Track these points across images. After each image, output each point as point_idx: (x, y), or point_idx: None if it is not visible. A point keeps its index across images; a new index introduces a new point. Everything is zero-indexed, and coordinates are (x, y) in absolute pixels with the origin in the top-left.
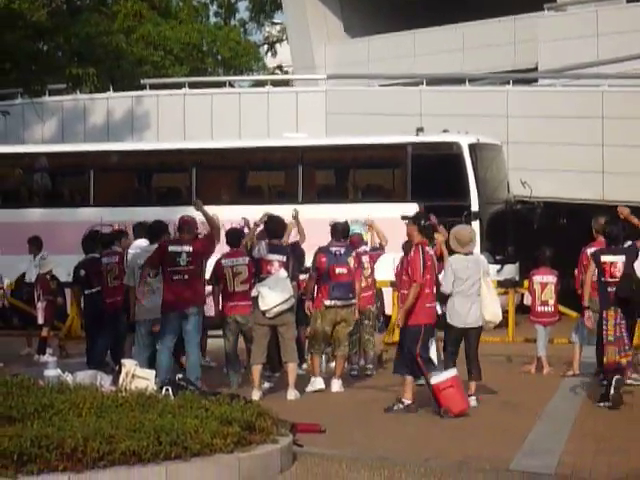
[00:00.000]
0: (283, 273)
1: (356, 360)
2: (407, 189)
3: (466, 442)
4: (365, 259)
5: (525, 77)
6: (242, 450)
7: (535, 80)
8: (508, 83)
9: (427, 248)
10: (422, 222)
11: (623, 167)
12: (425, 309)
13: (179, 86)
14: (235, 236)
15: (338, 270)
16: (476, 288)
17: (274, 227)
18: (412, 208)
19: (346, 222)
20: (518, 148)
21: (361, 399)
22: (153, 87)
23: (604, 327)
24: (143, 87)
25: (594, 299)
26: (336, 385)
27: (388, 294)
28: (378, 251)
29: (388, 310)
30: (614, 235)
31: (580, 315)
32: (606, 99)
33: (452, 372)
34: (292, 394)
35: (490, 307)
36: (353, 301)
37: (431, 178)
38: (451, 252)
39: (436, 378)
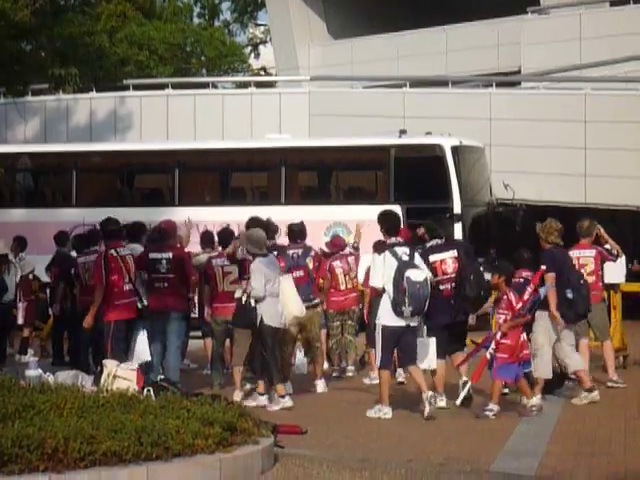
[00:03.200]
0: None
1: (337, 361)
2: (390, 191)
3: (448, 443)
4: (351, 260)
5: (508, 80)
6: (223, 451)
7: (518, 83)
8: (491, 86)
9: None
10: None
11: (605, 170)
12: None
13: (162, 87)
14: (225, 237)
15: (295, 273)
16: None
17: (270, 229)
18: (395, 210)
19: (302, 223)
20: (501, 151)
21: (343, 400)
22: (136, 87)
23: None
24: (126, 87)
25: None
26: (321, 386)
27: None
28: (357, 252)
29: None
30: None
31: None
32: (589, 102)
33: None
34: (238, 395)
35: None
36: (315, 301)
37: (414, 180)
38: None
39: None
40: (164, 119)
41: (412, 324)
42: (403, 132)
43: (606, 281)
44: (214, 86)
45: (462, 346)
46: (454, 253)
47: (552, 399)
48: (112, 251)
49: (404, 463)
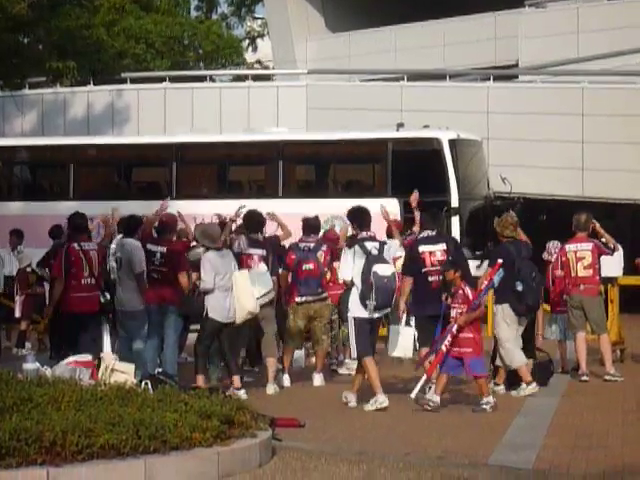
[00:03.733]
0: (263, 267)
1: (335, 355)
2: (387, 184)
3: (445, 437)
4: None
5: (506, 73)
6: (221, 444)
7: (516, 76)
8: (489, 79)
9: None
10: None
11: (603, 164)
12: None
13: (160, 80)
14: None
15: (305, 266)
16: None
17: (252, 221)
18: (392, 203)
19: (316, 217)
20: (498, 144)
21: (340, 393)
22: (134, 81)
23: None
24: (124, 81)
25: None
26: (318, 379)
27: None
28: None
29: None
30: None
31: (552, 311)
32: (586, 96)
33: None
34: (271, 388)
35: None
36: (324, 295)
37: (411, 173)
38: None
39: None
40: (161, 112)
41: (376, 316)
42: (401, 125)
43: (603, 274)
44: (211, 79)
45: None
46: (443, 246)
47: (548, 392)
48: (74, 244)
49: (402, 456)
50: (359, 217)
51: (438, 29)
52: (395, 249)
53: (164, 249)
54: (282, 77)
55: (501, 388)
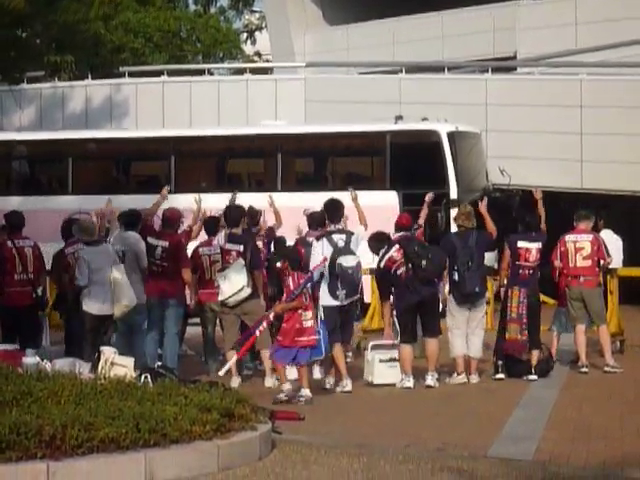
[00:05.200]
0: (239, 263)
1: None
2: (386, 177)
3: (445, 429)
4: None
5: (504, 65)
6: (221, 437)
7: (514, 68)
8: (487, 71)
9: None
10: None
11: (601, 156)
12: None
13: (158, 74)
14: (212, 224)
15: None
16: None
17: (232, 216)
18: (391, 196)
19: (322, 212)
20: (497, 136)
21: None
22: (132, 75)
23: (508, 304)
24: (122, 75)
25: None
26: (317, 372)
27: (367, 282)
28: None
29: (367, 298)
30: (529, 223)
31: (558, 304)
32: (584, 88)
33: None
34: (270, 381)
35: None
36: None
37: (410, 166)
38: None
39: None
40: (160, 106)
41: (346, 303)
42: (399, 118)
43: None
44: (210, 73)
45: (436, 331)
46: (396, 246)
47: (548, 384)
48: (8, 242)
49: (401, 449)
50: (330, 210)
51: (436, 21)
52: (361, 239)
53: (166, 243)
54: (280, 70)
55: (470, 378)
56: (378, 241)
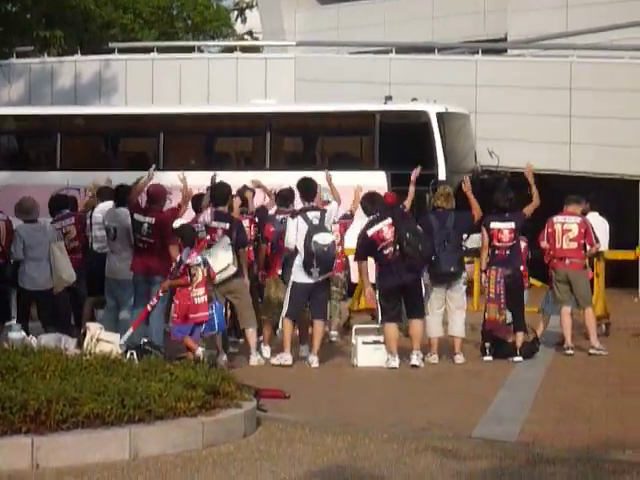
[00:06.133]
0: (225, 240)
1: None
2: (375, 157)
3: (430, 408)
4: (334, 227)
5: (494, 47)
6: (206, 414)
7: (504, 50)
8: (477, 53)
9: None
10: None
11: (590, 138)
12: None
13: (148, 50)
14: (198, 202)
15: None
16: None
17: (218, 194)
18: (379, 176)
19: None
20: (486, 118)
21: (325, 364)
22: (121, 51)
23: (486, 285)
24: (111, 51)
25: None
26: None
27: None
28: (348, 219)
29: (354, 278)
30: (502, 204)
31: (549, 286)
32: (575, 70)
33: None
34: (255, 359)
35: None
36: None
37: (399, 146)
38: None
39: None
40: (149, 83)
41: (320, 280)
42: (389, 98)
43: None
44: (200, 50)
45: (420, 312)
46: (388, 220)
47: (533, 365)
48: None
49: (386, 428)
50: (304, 188)
51: (427, 2)
52: (335, 212)
53: (152, 220)
54: (270, 49)
55: (454, 358)
56: (370, 201)
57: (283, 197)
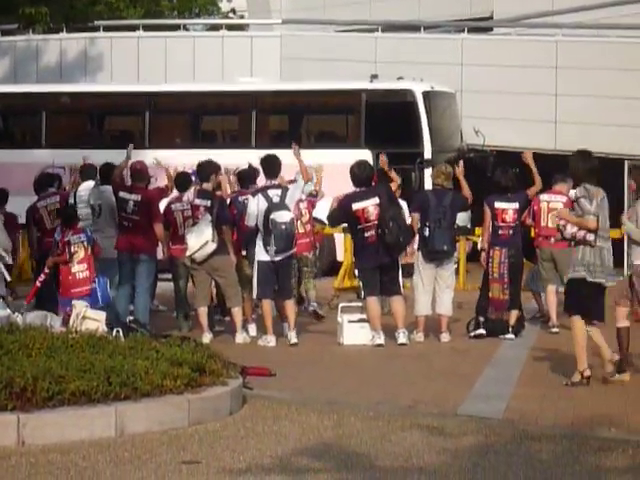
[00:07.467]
0: (206, 218)
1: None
2: (360, 136)
3: (416, 386)
4: (302, 205)
5: (480, 26)
6: (192, 392)
7: (490, 29)
8: (463, 31)
9: None
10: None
11: (576, 117)
12: None
13: (133, 28)
14: (183, 180)
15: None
16: None
17: (202, 171)
18: (365, 155)
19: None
20: (472, 96)
21: (312, 343)
22: (107, 29)
23: (490, 264)
24: (97, 29)
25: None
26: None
27: (340, 240)
28: (314, 198)
29: (340, 256)
30: (505, 183)
31: (534, 263)
32: (560, 49)
33: None
34: (240, 338)
35: None
36: None
37: (384, 125)
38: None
39: None
40: (135, 61)
41: (277, 259)
42: (374, 77)
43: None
44: (185, 28)
45: (397, 289)
46: (376, 200)
47: (519, 343)
48: None
49: (372, 405)
50: (266, 165)
51: None
52: (301, 189)
53: (138, 197)
54: (256, 27)
55: (440, 336)
56: (360, 168)
57: (242, 178)
